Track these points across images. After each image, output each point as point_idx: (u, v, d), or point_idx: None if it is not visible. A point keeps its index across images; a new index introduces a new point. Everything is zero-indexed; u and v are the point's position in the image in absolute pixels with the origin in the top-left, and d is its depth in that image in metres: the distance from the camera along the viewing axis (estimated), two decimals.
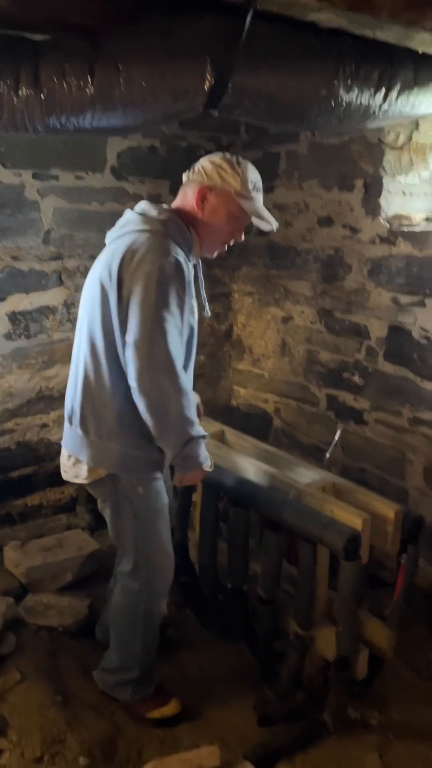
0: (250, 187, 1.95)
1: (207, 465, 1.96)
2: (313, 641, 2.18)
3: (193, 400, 1.92)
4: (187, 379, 1.92)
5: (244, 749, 2.07)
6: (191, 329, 1.97)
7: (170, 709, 2.16)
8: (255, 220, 2.00)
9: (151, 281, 1.76)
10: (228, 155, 1.98)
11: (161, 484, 2.05)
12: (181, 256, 1.84)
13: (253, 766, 1.97)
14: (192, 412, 1.88)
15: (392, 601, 2.14)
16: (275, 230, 2.07)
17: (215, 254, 2.08)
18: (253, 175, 1.97)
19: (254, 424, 3.58)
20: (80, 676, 2.34)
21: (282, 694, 2.24)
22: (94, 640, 2.49)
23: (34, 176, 2.96)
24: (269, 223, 2.01)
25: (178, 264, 1.81)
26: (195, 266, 2.06)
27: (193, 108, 1.96)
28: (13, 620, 2.52)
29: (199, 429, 1.91)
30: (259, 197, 1.99)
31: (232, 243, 2.07)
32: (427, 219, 2.89)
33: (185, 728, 2.16)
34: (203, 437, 1.92)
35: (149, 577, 2.08)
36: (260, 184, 1.99)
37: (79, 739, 2.07)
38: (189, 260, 1.92)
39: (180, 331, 1.85)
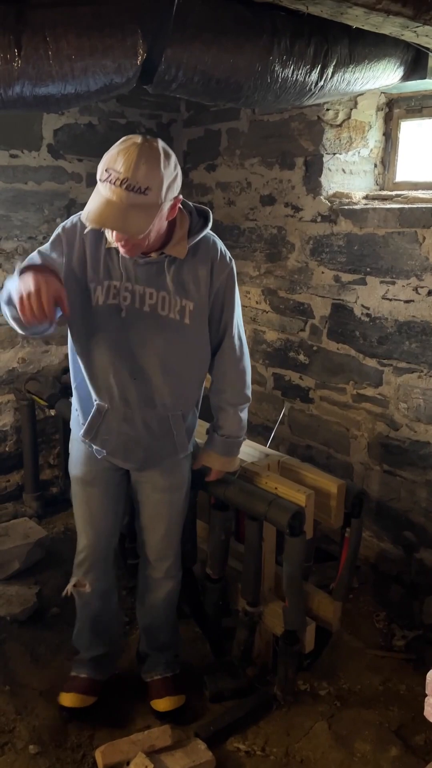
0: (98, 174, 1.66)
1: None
2: (262, 617, 2.21)
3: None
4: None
5: (195, 727, 2.09)
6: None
7: (66, 699, 2.12)
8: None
9: None
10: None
11: None
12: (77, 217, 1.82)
13: (205, 743, 1.99)
14: None
15: (338, 574, 2.18)
16: (87, 225, 1.68)
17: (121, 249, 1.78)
18: (105, 158, 1.64)
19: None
20: (29, 663, 2.32)
21: (232, 670, 2.26)
22: (42, 627, 2.47)
23: None
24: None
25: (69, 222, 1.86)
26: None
27: (127, 82, 1.92)
28: None
29: None
30: (98, 186, 1.64)
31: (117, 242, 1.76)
32: (367, 197, 2.92)
33: (137, 710, 2.17)
34: None
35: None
36: (107, 167, 1.60)
37: (29, 727, 2.06)
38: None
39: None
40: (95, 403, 1.93)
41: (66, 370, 3.00)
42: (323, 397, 3.06)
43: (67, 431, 2.09)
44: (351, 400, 2.93)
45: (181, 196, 1.73)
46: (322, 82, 2.15)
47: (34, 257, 1.84)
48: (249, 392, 2.07)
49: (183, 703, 2.15)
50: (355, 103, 2.85)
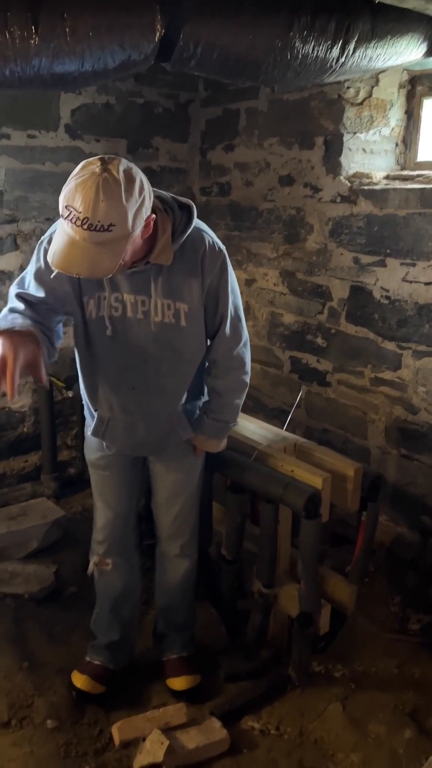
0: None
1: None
2: (277, 599, 2.22)
3: None
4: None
5: (210, 706, 2.11)
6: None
7: (78, 680, 2.14)
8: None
9: None
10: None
11: None
12: None
13: (220, 722, 2.01)
14: None
15: (353, 558, 2.17)
16: (53, 268, 1.55)
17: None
18: (64, 192, 1.51)
19: None
20: (46, 641, 2.36)
21: (247, 651, 2.28)
22: (59, 606, 2.50)
23: None
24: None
25: None
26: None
27: (145, 60, 1.89)
28: None
29: None
30: (62, 223, 1.53)
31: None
32: (387, 177, 2.87)
33: (153, 688, 2.19)
34: None
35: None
36: (66, 204, 1.49)
37: (46, 703, 2.09)
38: None
39: None
40: (96, 413, 1.95)
41: None
42: (341, 380, 3.04)
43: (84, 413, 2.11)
44: (369, 383, 2.91)
45: (154, 215, 1.62)
46: (343, 59, 2.11)
47: (27, 287, 1.79)
48: (247, 378, 2.00)
49: (199, 683, 2.17)
50: (377, 81, 2.79)
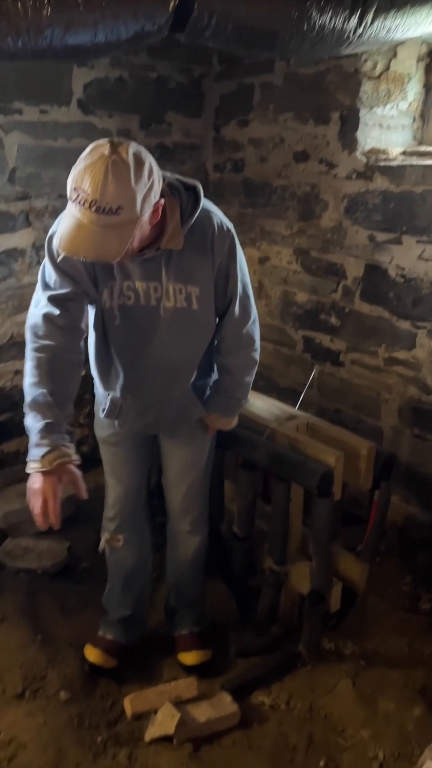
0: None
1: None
2: (288, 576, 2.22)
3: None
4: None
5: (221, 681, 2.13)
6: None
7: (91, 654, 2.17)
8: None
9: None
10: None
11: None
12: None
13: (230, 696, 2.04)
14: None
15: (365, 536, 2.17)
16: (60, 252, 1.60)
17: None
18: (72, 174, 1.51)
19: None
20: (59, 615, 2.39)
21: (258, 627, 2.29)
22: (72, 581, 2.52)
23: None
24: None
25: None
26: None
27: (159, 30, 1.85)
28: None
29: None
30: (69, 205, 1.53)
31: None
32: (405, 153, 2.81)
33: (165, 662, 2.22)
34: None
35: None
36: (75, 186, 1.48)
37: (60, 676, 2.12)
38: None
39: None
40: (109, 396, 1.95)
41: None
42: (354, 360, 3.01)
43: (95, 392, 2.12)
44: (382, 363, 2.88)
45: (162, 200, 1.61)
46: (361, 30, 2.05)
47: (54, 286, 1.77)
48: (257, 355, 1.99)
49: (209, 658, 2.19)
50: (395, 53, 2.73)
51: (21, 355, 3.21)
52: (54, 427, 1.71)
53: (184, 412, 1.98)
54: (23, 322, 3.18)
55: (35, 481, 1.67)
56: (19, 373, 3.23)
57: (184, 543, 2.19)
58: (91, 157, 1.47)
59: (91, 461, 3.32)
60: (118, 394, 1.94)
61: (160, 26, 1.83)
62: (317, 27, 1.98)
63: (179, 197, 1.73)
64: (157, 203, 1.58)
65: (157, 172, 1.57)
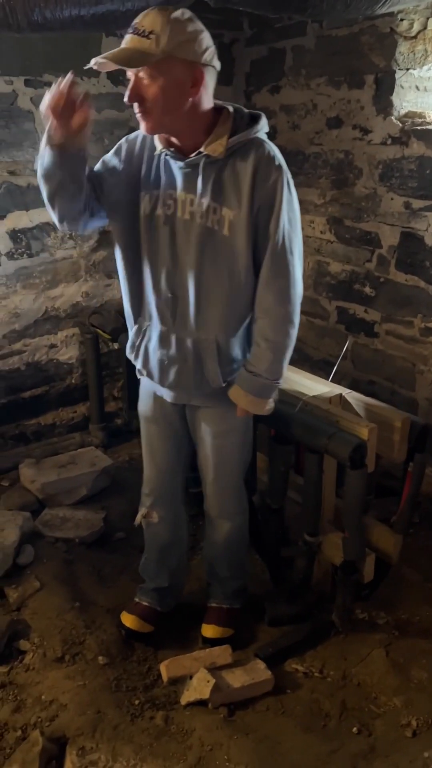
0: None
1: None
2: (321, 547, 2.23)
3: None
4: None
5: (255, 648, 2.17)
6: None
7: (127, 619, 2.22)
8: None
9: None
10: None
11: None
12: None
13: (264, 663, 2.07)
14: None
15: (399, 508, 2.16)
16: (91, 65, 1.68)
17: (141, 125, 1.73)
18: None
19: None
20: (96, 582, 2.44)
21: (291, 597, 2.32)
22: (108, 550, 2.57)
23: (27, 83, 2.82)
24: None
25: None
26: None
27: None
28: (31, 533, 2.61)
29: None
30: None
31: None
32: None
33: (200, 630, 2.26)
34: None
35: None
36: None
37: (97, 641, 2.18)
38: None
39: None
40: (135, 325, 1.94)
41: None
42: (389, 330, 2.97)
43: (130, 365, 2.11)
44: (418, 333, 2.83)
45: (205, 71, 1.62)
46: None
47: (97, 165, 1.82)
48: (291, 330, 1.83)
49: (228, 636, 2.18)
50: None
51: (55, 330, 3.27)
52: None
53: (198, 370, 1.86)
54: (57, 297, 3.25)
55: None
56: (54, 347, 3.28)
57: (214, 526, 2.20)
58: None
59: (125, 433, 3.39)
60: (144, 317, 1.91)
61: None
62: None
63: (239, 117, 1.72)
64: (194, 66, 1.60)
65: (208, 41, 1.63)
